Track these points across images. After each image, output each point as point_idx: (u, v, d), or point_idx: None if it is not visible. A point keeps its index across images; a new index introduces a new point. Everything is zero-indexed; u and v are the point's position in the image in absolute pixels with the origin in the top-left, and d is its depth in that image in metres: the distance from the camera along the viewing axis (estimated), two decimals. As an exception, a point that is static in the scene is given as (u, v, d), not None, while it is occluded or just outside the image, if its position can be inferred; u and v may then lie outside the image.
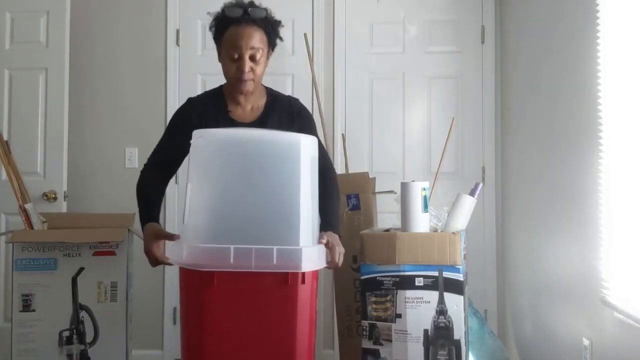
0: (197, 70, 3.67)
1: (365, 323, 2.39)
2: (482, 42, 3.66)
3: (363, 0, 3.72)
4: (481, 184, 2.59)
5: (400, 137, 3.68)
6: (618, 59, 2.12)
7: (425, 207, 2.38)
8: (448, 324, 2.30)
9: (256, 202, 1.78)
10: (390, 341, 2.34)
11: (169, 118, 3.64)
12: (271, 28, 2.04)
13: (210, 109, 2.09)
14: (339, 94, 3.69)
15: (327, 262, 1.89)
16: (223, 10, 2.01)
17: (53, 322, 2.56)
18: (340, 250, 1.94)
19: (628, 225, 2.06)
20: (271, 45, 2.06)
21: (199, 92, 2.30)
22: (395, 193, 2.64)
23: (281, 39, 2.11)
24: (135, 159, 3.66)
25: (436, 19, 3.69)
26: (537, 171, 3.01)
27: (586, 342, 2.34)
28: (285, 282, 1.77)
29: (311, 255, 1.78)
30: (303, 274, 1.77)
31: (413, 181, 2.40)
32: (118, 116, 3.68)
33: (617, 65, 2.13)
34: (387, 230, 2.57)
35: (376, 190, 3.08)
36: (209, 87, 2.40)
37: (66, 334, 2.56)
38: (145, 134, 3.68)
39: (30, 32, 3.46)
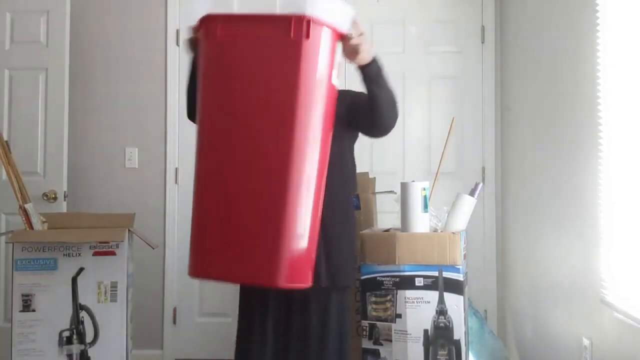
0: (197, 70, 3.67)
1: (365, 323, 2.39)
2: (482, 42, 3.66)
3: (363, 0, 3.72)
4: (481, 184, 2.59)
5: (400, 137, 3.67)
6: (618, 58, 2.12)
7: (425, 207, 2.38)
8: (448, 324, 2.30)
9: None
10: (390, 341, 2.34)
11: (169, 118, 3.71)
12: None
13: None
14: (339, 94, 3.68)
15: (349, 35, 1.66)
16: None
17: (53, 322, 2.56)
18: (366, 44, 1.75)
19: (628, 225, 2.06)
20: None
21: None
22: (395, 193, 2.64)
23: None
24: (135, 159, 3.66)
25: (436, 18, 3.69)
26: (537, 171, 3.01)
27: (586, 342, 2.34)
28: (287, 34, 1.47)
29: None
30: (308, 25, 1.48)
31: (413, 181, 2.40)
32: (118, 116, 3.67)
33: (617, 64, 2.13)
34: (387, 230, 2.57)
35: (376, 190, 3.08)
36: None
37: (66, 334, 2.56)
38: (145, 134, 3.68)
39: (30, 32, 3.46)
